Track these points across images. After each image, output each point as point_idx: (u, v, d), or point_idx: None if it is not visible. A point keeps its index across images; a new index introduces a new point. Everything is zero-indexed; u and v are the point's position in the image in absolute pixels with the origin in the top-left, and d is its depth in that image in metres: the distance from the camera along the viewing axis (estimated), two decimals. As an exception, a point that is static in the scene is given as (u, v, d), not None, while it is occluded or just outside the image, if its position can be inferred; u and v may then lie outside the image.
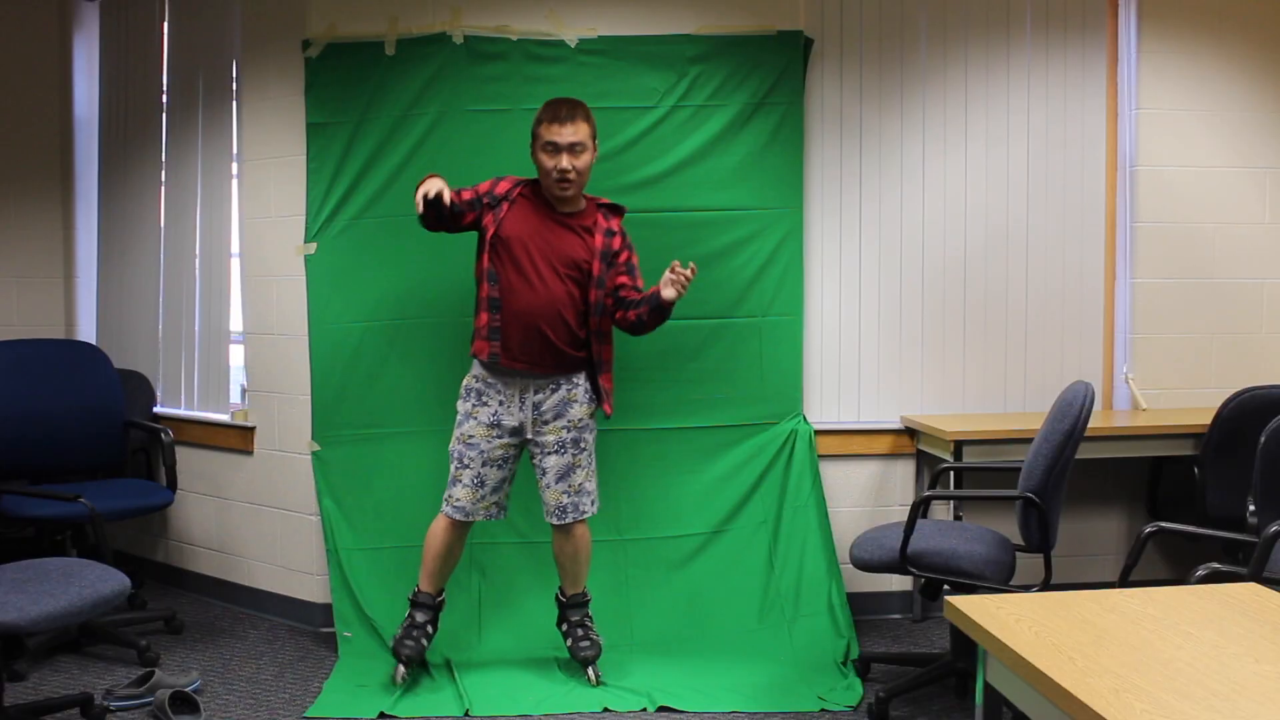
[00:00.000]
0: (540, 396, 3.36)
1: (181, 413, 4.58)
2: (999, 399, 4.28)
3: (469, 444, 3.35)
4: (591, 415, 3.43)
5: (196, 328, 4.58)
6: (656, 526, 3.97)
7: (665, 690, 3.37)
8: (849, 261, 4.21)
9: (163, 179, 4.70)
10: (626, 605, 3.83)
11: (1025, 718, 1.72)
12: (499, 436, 3.35)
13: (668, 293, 3.24)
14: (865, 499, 4.19)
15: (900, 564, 3.18)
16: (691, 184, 3.98)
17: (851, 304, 4.21)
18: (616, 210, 3.50)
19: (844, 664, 3.58)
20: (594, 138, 3.37)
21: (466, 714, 3.24)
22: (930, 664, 3.44)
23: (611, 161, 3.94)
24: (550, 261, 3.31)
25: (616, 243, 3.41)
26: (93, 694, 3.24)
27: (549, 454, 3.37)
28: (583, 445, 3.40)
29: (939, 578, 3.20)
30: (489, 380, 3.36)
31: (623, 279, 3.41)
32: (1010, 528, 3.39)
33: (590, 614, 3.54)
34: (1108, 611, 1.84)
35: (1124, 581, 3.02)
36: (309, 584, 4.10)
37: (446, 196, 3.15)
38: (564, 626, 3.54)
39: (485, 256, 3.34)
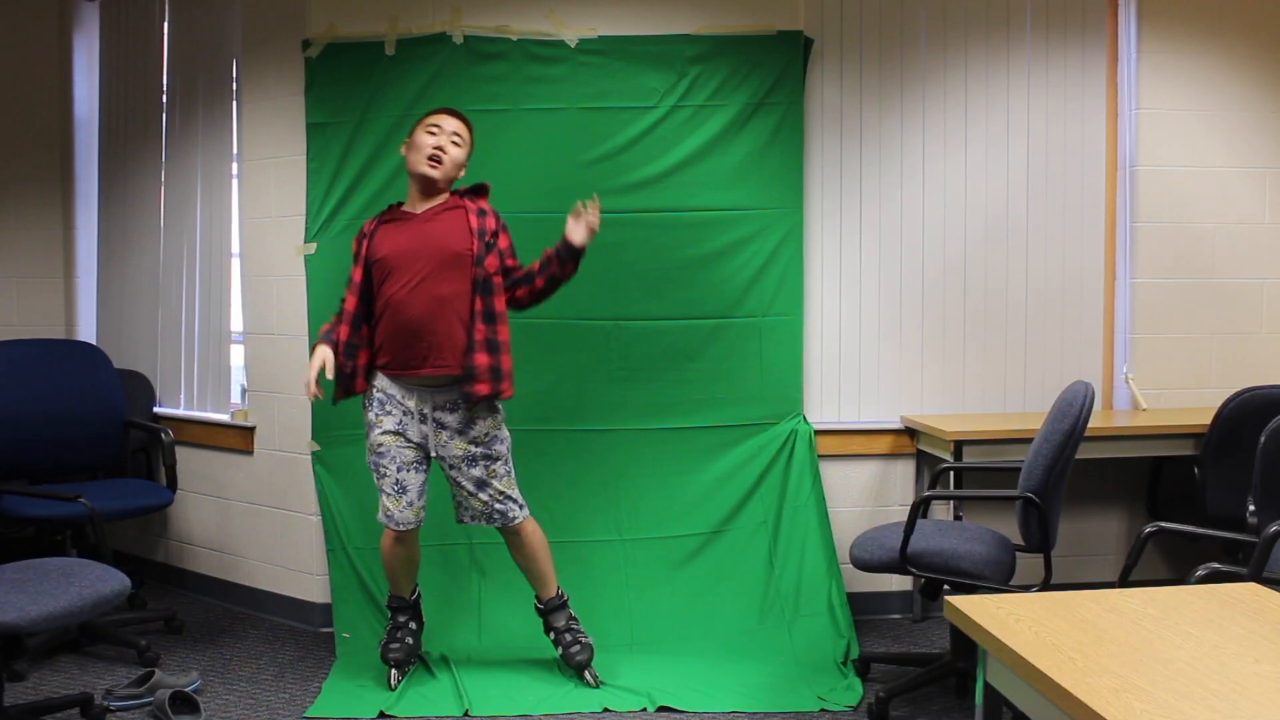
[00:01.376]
0: (440, 414, 3.31)
1: (181, 413, 4.58)
2: (999, 399, 4.28)
3: (380, 453, 3.32)
4: (497, 426, 3.36)
5: (196, 328, 4.58)
6: (657, 526, 3.97)
7: (665, 690, 3.36)
8: (849, 261, 4.21)
9: (163, 179, 4.70)
10: (626, 605, 3.83)
11: (1025, 718, 1.72)
12: (406, 442, 3.32)
13: (578, 236, 3.27)
14: (865, 499, 4.19)
15: (900, 564, 3.17)
16: (691, 184, 3.98)
17: (851, 304, 4.21)
18: (479, 191, 3.45)
19: (844, 664, 3.58)
20: (470, 150, 3.40)
21: (466, 714, 3.24)
22: (930, 664, 3.44)
23: (611, 161, 3.94)
24: (428, 260, 3.26)
25: (490, 222, 3.36)
26: (93, 694, 3.24)
27: (459, 467, 3.34)
28: (495, 455, 3.35)
29: (939, 578, 3.20)
30: (389, 392, 3.32)
31: (510, 262, 3.39)
32: (1010, 528, 3.39)
33: (574, 614, 3.51)
34: (1108, 611, 1.84)
35: (1124, 581, 3.02)
36: (309, 584, 4.10)
37: (330, 362, 3.22)
38: (552, 635, 3.51)
39: (375, 299, 3.31)
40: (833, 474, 4.13)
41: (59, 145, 4.97)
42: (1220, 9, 4.26)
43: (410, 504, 3.33)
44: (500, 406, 3.38)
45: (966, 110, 4.21)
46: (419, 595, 3.55)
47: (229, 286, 4.44)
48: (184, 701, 3.26)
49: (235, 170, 4.38)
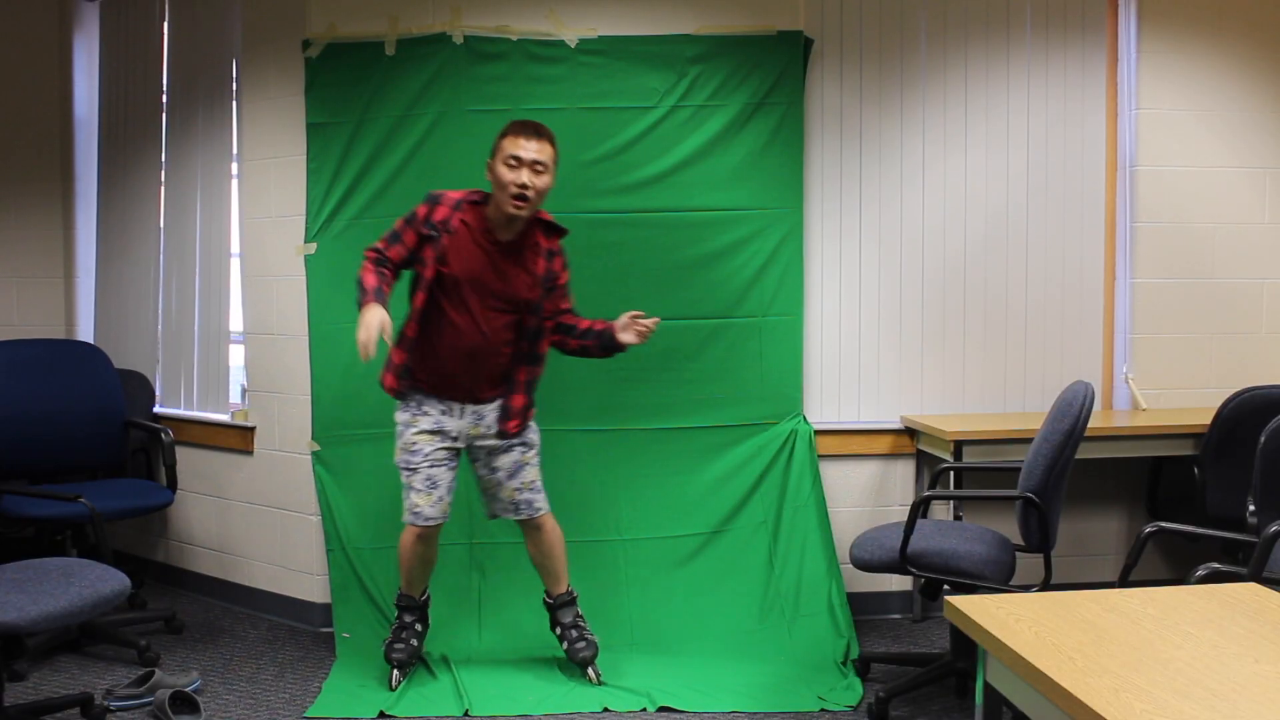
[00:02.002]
0: (480, 406, 3.34)
1: (181, 413, 4.58)
2: (999, 399, 4.28)
3: (412, 451, 3.32)
4: (531, 417, 3.42)
5: (196, 328, 4.58)
6: (656, 526, 3.97)
7: (665, 690, 3.36)
8: (849, 261, 4.21)
9: (163, 179, 4.70)
10: (626, 605, 3.83)
11: (1025, 718, 1.72)
12: (441, 441, 3.32)
13: (626, 337, 3.30)
14: (865, 499, 4.19)
15: (900, 564, 3.17)
16: (691, 184, 3.98)
17: (851, 304, 4.21)
18: (557, 230, 3.37)
19: (844, 664, 3.58)
20: (555, 163, 3.25)
21: (466, 714, 3.24)
22: (930, 664, 3.44)
23: (611, 161, 3.94)
24: (492, 302, 3.25)
25: (558, 264, 3.36)
26: (93, 694, 3.24)
27: (497, 454, 3.36)
28: (529, 443, 3.40)
29: (939, 578, 3.20)
30: (425, 394, 3.34)
31: (564, 304, 3.40)
32: (1010, 528, 3.39)
33: (580, 612, 3.54)
34: (1108, 611, 1.84)
35: (1124, 581, 3.02)
36: (309, 584, 4.10)
37: (389, 327, 3.09)
38: (558, 630, 3.52)
39: (420, 294, 3.25)
40: (833, 474, 4.13)
41: (59, 145, 4.97)
42: (1220, 9, 4.26)
43: (440, 499, 3.33)
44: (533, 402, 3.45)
45: (966, 110, 4.21)
46: (428, 598, 3.54)
47: (229, 286, 4.44)
48: (184, 701, 3.26)
49: (235, 170, 4.38)
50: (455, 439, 3.34)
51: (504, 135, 3.22)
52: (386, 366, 3.35)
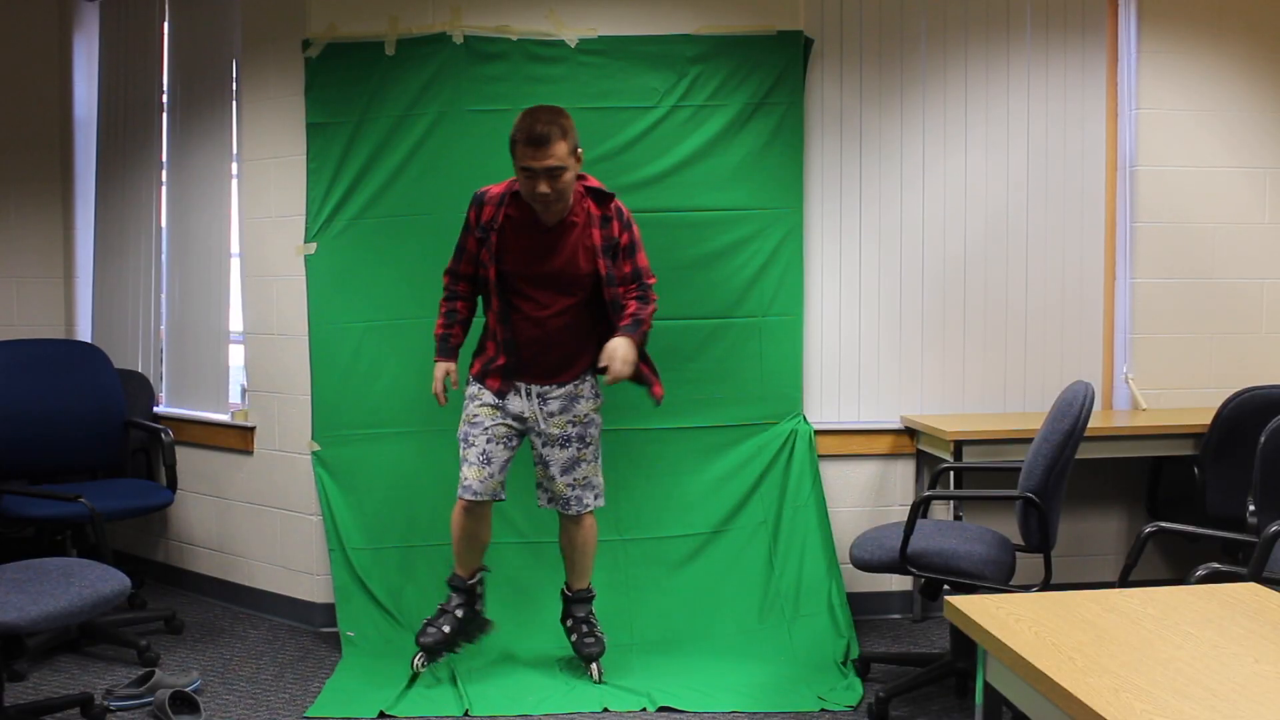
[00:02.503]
0: (546, 389, 3.36)
1: (181, 413, 4.58)
2: (999, 399, 4.28)
3: (473, 423, 3.34)
4: (597, 410, 3.43)
5: (197, 328, 4.58)
6: (656, 526, 3.97)
7: (665, 690, 3.36)
8: (849, 261, 4.21)
9: (163, 179, 4.70)
10: (627, 605, 3.83)
11: (1025, 718, 1.72)
12: (503, 417, 3.34)
13: (609, 366, 3.24)
14: (865, 499, 4.19)
15: (900, 564, 3.17)
16: (691, 184, 3.98)
17: (851, 304, 4.21)
18: (606, 196, 3.35)
19: (844, 664, 3.58)
20: (575, 151, 3.19)
21: (466, 714, 3.24)
22: (930, 664, 3.44)
23: (611, 161, 3.94)
24: (554, 287, 3.29)
25: (614, 229, 3.32)
26: (93, 694, 3.24)
27: (554, 446, 3.37)
28: (588, 440, 3.40)
29: (939, 578, 3.20)
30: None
31: (626, 269, 3.36)
32: (1010, 528, 3.39)
33: (593, 611, 3.55)
34: (1108, 611, 1.84)
35: (1124, 581, 3.02)
36: (309, 584, 4.10)
37: (454, 375, 3.39)
38: (568, 622, 3.53)
39: (494, 298, 3.31)
40: (833, 474, 4.13)
41: (59, 145, 4.97)
42: (1220, 9, 4.26)
43: (491, 475, 3.31)
44: (601, 393, 3.44)
45: (966, 110, 4.22)
46: (477, 582, 3.48)
47: (229, 286, 4.44)
48: (184, 701, 3.26)
49: (235, 170, 4.38)
50: (519, 419, 3.35)
51: (514, 141, 3.18)
52: (478, 356, 3.43)
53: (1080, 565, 4.30)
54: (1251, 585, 2.04)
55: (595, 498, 3.45)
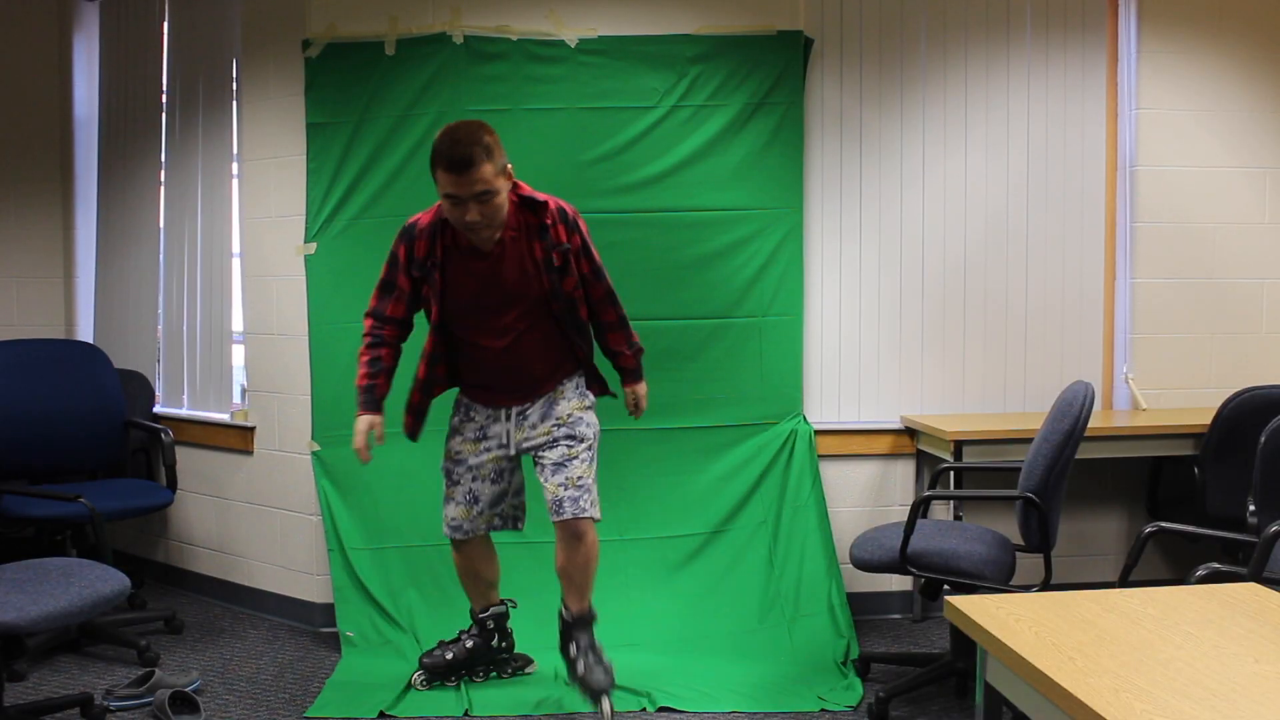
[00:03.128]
0: (522, 406, 3.19)
1: (181, 413, 4.58)
2: (999, 399, 4.28)
3: (456, 460, 3.22)
4: (586, 408, 3.20)
5: (197, 328, 4.58)
6: (656, 526, 3.97)
7: (665, 690, 3.36)
8: (849, 261, 4.21)
9: (162, 179, 4.70)
10: (626, 605, 3.83)
11: (1025, 718, 1.72)
12: (487, 450, 3.19)
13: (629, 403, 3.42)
14: (865, 499, 4.19)
15: (900, 564, 3.17)
16: (691, 184, 3.98)
17: (851, 304, 4.21)
18: (539, 204, 3.03)
19: (844, 664, 3.58)
20: (503, 169, 2.93)
21: (466, 714, 3.24)
22: (930, 664, 3.44)
23: (611, 161, 3.95)
24: (508, 313, 3.07)
25: (560, 234, 3.03)
26: (93, 694, 3.24)
27: (543, 449, 3.17)
28: (578, 437, 3.15)
29: (939, 578, 3.20)
30: (472, 398, 3.26)
31: (585, 267, 3.12)
32: (1010, 528, 3.39)
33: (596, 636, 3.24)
34: (1108, 611, 1.84)
35: (1124, 581, 3.02)
36: (309, 584, 4.10)
37: (379, 430, 3.11)
38: (570, 650, 3.19)
39: (433, 337, 3.14)
40: (833, 474, 4.13)
41: (59, 145, 4.97)
42: (1220, 9, 4.26)
43: (480, 513, 3.22)
44: (591, 397, 3.25)
45: (966, 110, 4.22)
46: (490, 615, 3.40)
47: (229, 286, 4.45)
48: (184, 701, 3.26)
49: (235, 170, 4.38)
50: (505, 445, 3.19)
51: (434, 165, 2.90)
52: (406, 409, 3.24)
53: (1080, 565, 4.30)
54: (1251, 585, 2.04)
55: (591, 504, 3.12)
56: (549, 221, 3.02)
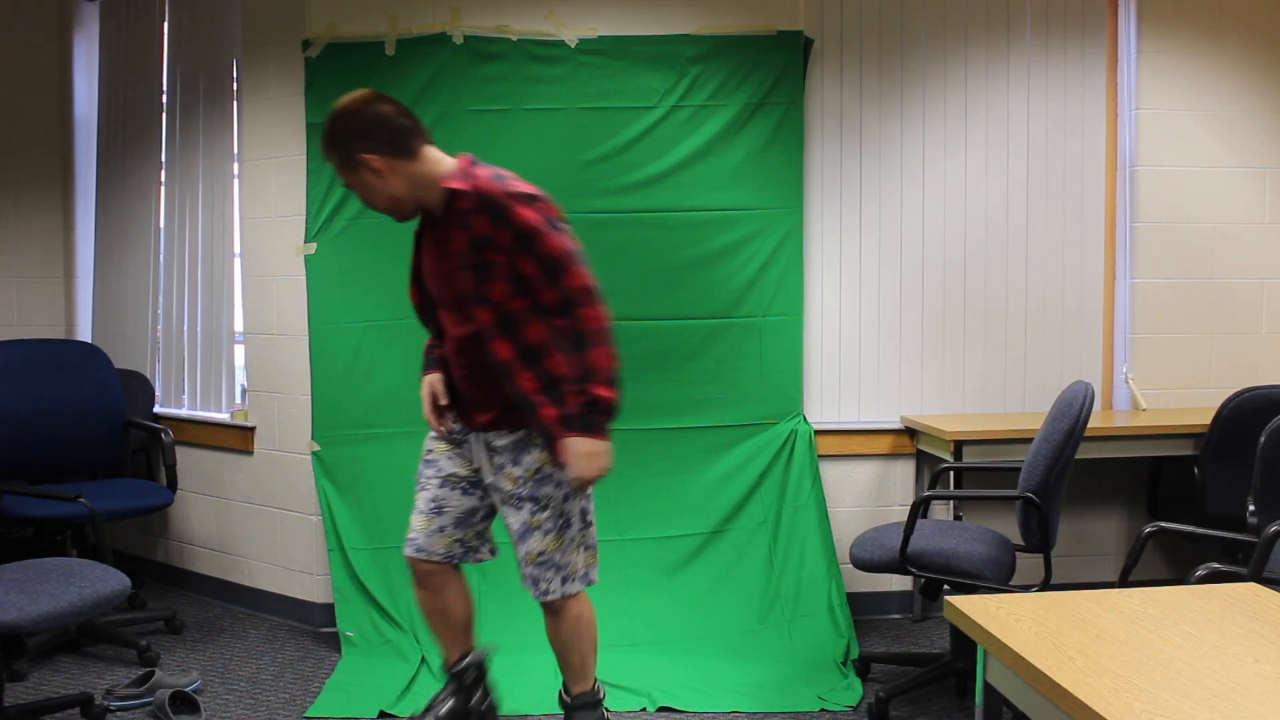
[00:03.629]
0: (491, 435, 2.63)
1: (181, 413, 4.58)
2: (999, 399, 4.28)
3: (427, 460, 2.74)
4: (554, 464, 2.58)
5: (197, 328, 4.58)
6: (657, 526, 3.97)
7: (665, 690, 3.37)
8: (849, 262, 4.21)
9: (162, 179, 4.70)
10: (626, 605, 3.83)
11: (1025, 718, 1.72)
12: (459, 460, 2.71)
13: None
14: (865, 499, 4.19)
15: (900, 564, 3.17)
16: (691, 184, 3.98)
17: (851, 304, 4.21)
18: (461, 195, 2.52)
19: (844, 664, 3.58)
20: (351, 160, 2.55)
21: (466, 714, 3.24)
22: (930, 664, 3.44)
23: (611, 161, 3.95)
24: (452, 310, 2.62)
25: (482, 225, 2.46)
26: (93, 694, 3.24)
27: (506, 505, 2.64)
28: (542, 502, 2.59)
29: (939, 578, 3.20)
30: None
31: (527, 267, 2.48)
32: (1010, 528, 3.39)
33: (609, 713, 2.81)
34: (1108, 611, 1.84)
35: (1124, 581, 3.02)
36: (309, 584, 4.10)
37: (440, 390, 2.69)
38: None
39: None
40: (833, 474, 4.13)
41: (59, 145, 4.97)
42: (1220, 9, 4.26)
43: (443, 530, 2.67)
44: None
45: (966, 110, 4.22)
46: (466, 665, 2.79)
47: (229, 286, 4.45)
48: (184, 701, 3.26)
49: (235, 170, 4.38)
50: (477, 468, 2.72)
51: None
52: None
53: (1080, 565, 4.30)
54: (1251, 585, 2.04)
55: (564, 582, 2.62)
56: (466, 208, 2.49)
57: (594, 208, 3.94)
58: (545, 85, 3.95)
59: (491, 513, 2.76)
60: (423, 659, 3.59)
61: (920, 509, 3.19)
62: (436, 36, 3.94)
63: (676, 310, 3.99)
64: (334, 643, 3.81)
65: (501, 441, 2.61)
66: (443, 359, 2.73)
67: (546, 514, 2.60)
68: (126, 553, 4.67)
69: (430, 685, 3.43)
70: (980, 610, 1.85)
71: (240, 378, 4.40)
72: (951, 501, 3.99)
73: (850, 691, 3.39)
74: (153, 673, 3.38)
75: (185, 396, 4.64)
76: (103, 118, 4.94)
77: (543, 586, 2.63)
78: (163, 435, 4.25)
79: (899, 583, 4.19)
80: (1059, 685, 1.52)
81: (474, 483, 2.72)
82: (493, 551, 2.81)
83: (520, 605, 3.79)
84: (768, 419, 4.07)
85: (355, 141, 2.54)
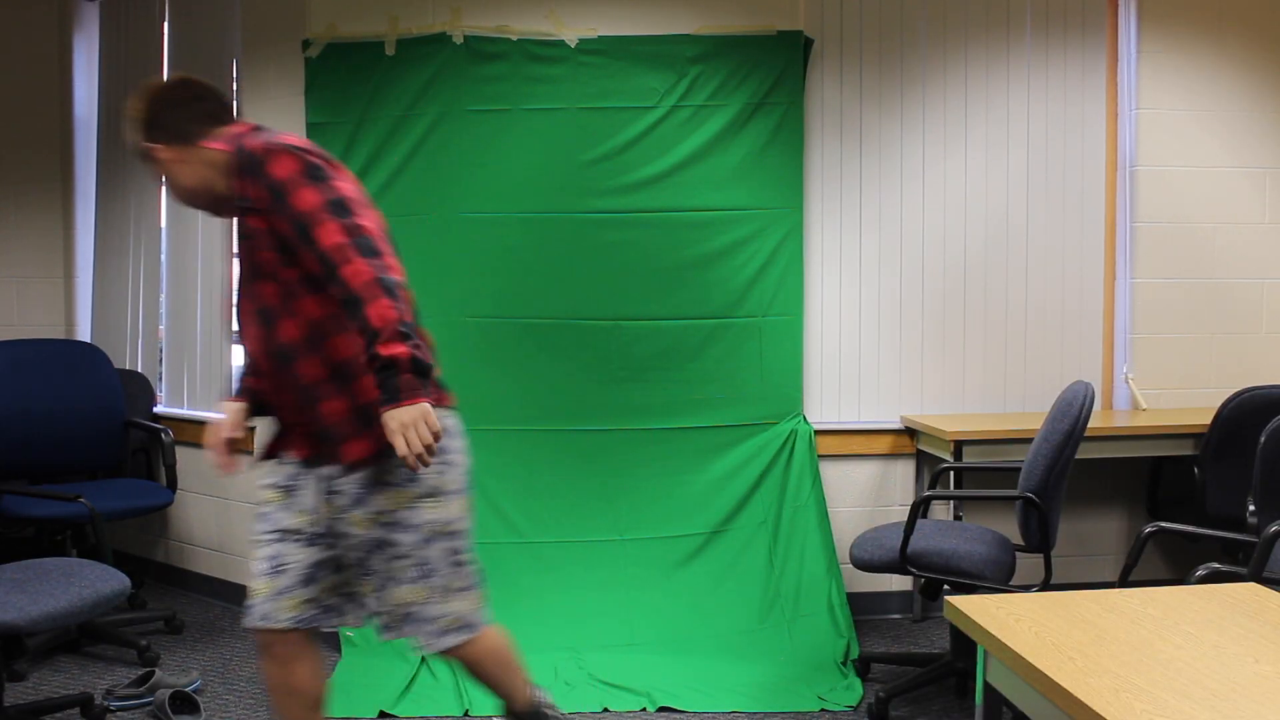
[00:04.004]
0: (328, 470, 2.19)
1: (182, 413, 4.58)
2: (999, 399, 4.28)
3: (261, 514, 2.27)
4: (413, 501, 2.16)
5: (197, 328, 4.58)
6: (656, 526, 3.97)
7: (665, 690, 3.36)
8: (849, 262, 4.21)
9: (163, 179, 4.69)
10: (626, 605, 3.83)
11: (1025, 718, 1.72)
12: (297, 503, 2.24)
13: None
14: (865, 499, 4.19)
15: (900, 564, 3.17)
16: (691, 184, 3.98)
17: (851, 304, 4.22)
18: (241, 159, 2.13)
19: (844, 664, 3.58)
20: (157, 138, 2.25)
21: (466, 714, 3.24)
22: (930, 664, 3.44)
23: (611, 161, 3.95)
24: (247, 295, 2.20)
25: (242, 186, 2.12)
26: (93, 694, 3.23)
27: (356, 553, 2.21)
28: (400, 548, 2.16)
29: (939, 578, 3.20)
30: None
31: (283, 225, 2.08)
32: (1010, 528, 3.39)
33: (554, 710, 2.47)
34: (1108, 611, 1.84)
35: (1124, 581, 3.02)
36: (309, 584, 4.09)
37: (237, 420, 2.29)
38: None
39: None
40: (833, 474, 4.13)
41: (59, 145, 4.97)
42: (1220, 9, 4.26)
43: (288, 591, 2.21)
44: (451, 466, 2.21)
45: (966, 110, 4.22)
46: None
47: (229, 286, 4.44)
48: (184, 701, 3.26)
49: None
50: (318, 518, 2.23)
51: None
52: None
53: (1080, 565, 4.30)
54: (1251, 585, 2.04)
55: (442, 635, 2.21)
56: (230, 173, 2.17)
57: (594, 208, 3.95)
58: (545, 85, 3.95)
59: (348, 564, 2.25)
60: (422, 659, 3.59)
61: (920, 509, 3.19)
62: (436, 36, 3.94)
63: (676, 310, 3.99)
64: (334, 643, 3.81)
65: (347, 482, 2.17)
66: (256, 383, 2.30)
67: (405, 562, 2.16)
68: (126, 553, 4.67)
69: (430, 685, 3.43)
70: (980, 610, 1.85)
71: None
72: (951, 501, 3.99)
73: (850, 691, 3.39)
74: (153, 673, 3.38)
75: (185, 396, 4.64)
76: (103, 118, 4.94)
77: (420, 642, 2.20)
78: (163, 435, 4.25)
79: (899, 583, 4.19)
80: (1059, 685, 1.52)
81: (318, 533, 2.23)
82: (361, 619, 2.30)
83: (520, 605, 3.79)
84: (768, 419, 4.07)
85: (143, 131, 2.27)
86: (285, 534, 2.23)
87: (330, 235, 2.02)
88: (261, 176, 2.08)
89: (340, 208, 2.05)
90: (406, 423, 1.98)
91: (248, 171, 2.10)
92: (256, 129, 2.21)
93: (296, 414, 2.20)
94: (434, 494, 2.18)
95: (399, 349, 1.97)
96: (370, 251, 2.03)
